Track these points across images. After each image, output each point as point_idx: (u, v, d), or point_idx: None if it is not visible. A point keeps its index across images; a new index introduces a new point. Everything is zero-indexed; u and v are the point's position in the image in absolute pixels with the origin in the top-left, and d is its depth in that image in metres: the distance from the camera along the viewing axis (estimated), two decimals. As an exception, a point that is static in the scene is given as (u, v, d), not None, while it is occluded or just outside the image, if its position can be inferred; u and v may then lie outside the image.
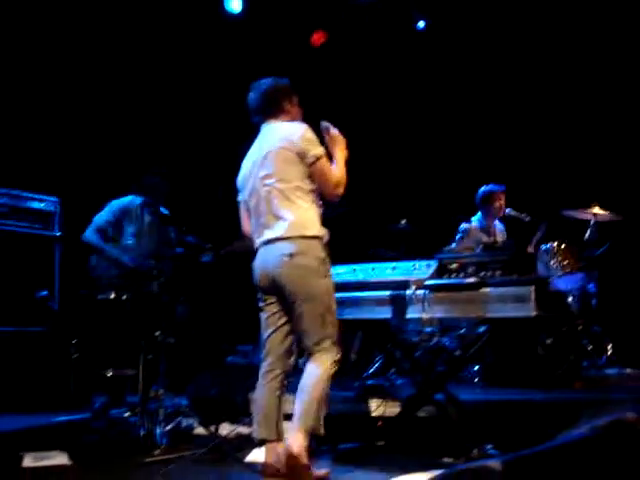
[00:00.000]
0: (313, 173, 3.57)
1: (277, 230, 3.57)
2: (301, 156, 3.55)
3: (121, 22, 6.91)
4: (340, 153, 3.67)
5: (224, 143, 6.72)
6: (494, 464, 1.84)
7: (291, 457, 3.35)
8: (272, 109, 3.75)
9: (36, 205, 6.38)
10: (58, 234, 6.38)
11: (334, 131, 3.73)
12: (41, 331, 5.90)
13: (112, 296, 4.88)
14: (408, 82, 7.75)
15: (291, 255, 3.50)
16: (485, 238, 6.06)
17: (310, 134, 3.61)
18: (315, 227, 3.58)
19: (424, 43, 7.70)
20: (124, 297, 4.86)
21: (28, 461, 3.91)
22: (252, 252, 3.74)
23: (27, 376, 5.59)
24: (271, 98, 3.75)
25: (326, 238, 3.61)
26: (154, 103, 7.23)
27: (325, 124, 3.74)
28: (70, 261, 6.21)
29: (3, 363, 5.47)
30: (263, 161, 3.65)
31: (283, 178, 3.58)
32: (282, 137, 3.63)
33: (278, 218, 3.57)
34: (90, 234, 5.29)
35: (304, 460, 3.36)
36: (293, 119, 3.74)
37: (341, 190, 3.60)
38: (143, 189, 5.14)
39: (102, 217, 5.33)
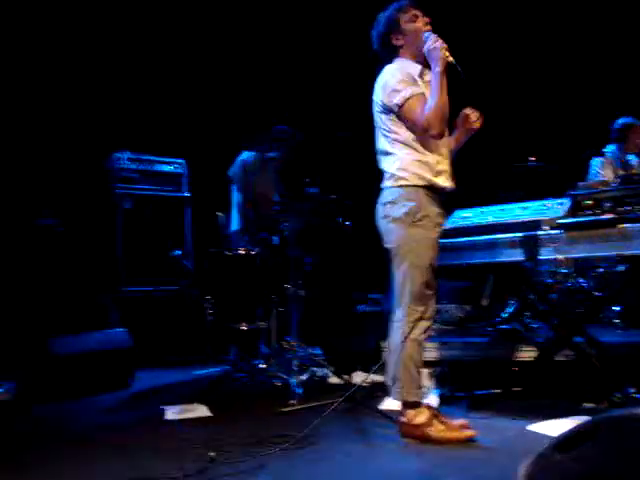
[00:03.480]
0: (402, 119, 3.41)
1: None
2: (387, 109, 3.42)
3: None
4: (435, 79, 3.32)
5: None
6: (641, 411, 1.71)
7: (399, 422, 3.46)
8: (383, 54, 3.58)
9: (165, 168, 6.61)
10: (187, 195, 6.58)
11: (430, 42, 3.36)
12: (177, 289, 6.15)
13: (242, 251, 4.98)
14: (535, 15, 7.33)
15: (384, 204, 3.45)
16: (621, 171, 5.73)
17: (391, 80, 3.40)
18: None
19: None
20: (253, 252, 4.94)
21: (170, 414, 4.08)
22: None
23: (165, 333, 5.85)
24: (380, 46, 3.57)
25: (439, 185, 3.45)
26: (272, 61, 7.26)
27: (427, 35, 3.41)
28: (199, 220, 6.39)
29: (142, 322, 5.74)
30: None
31: (382, 128, 3.49)
32: (375, 91, 3.51)
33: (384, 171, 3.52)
34: (236, 169, 5.45)
35: (411, 423, 3.39)
36: (409, 47, 3.50)
37: (434, 131, 3.32)
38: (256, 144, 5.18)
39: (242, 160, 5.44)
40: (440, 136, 3.42)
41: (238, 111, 6.30)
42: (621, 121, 5.90)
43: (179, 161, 6.67)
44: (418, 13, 3.52)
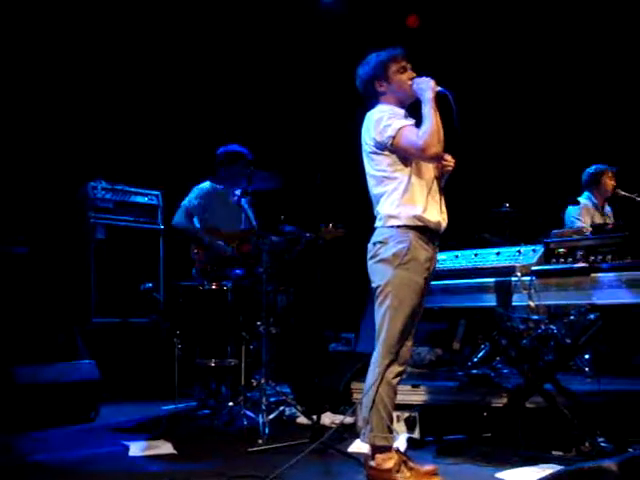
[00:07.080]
0: (398, 151, 3.40)
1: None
2: (380, 146, 3.42)
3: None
4: (426, 107, 3.37)
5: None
6: (609, 464, 1.70)
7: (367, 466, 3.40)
8: (367, 97, 3.60)
9: (140, 199, 6.56)
10: (161, 227, 6.54)
11: (419, 79, 3.47)
12: (146, 322, 6.07)
13: (214, 286, 4.93)
14: (516, 62, 7.45)
15: (374, 244, 3.43)
16: (598, 218, 5.81)
17: (381, 117, 3.41)
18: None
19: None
20: (225, 288, 4.90)
21: (135, 450, 3.99)
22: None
23: (133, 366, 5.75)
24: (363, 87, 3.60)
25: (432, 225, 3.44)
26: (247, 92, 7.30)
27: (415, 79, 3.51)
28: (173, 253, 6.34)
29: (110, 354, 5.64)
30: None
31: (373, 169, 3.49)
32: (365, 133, 3.52)
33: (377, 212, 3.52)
34: (180, 219, 5.37)
35: (379, 468, 3.34)
36: (391, 95, 3.53)
37: (431, 151, 3.30)
38: (223, 176, 5.16)
39: (190, 202, 5.39)
40: (438, 158, 3.42)
41: (215, 145, 6.30)
42: (594, 167, 6.01)
43: (154, 193, 6.65)
44: (408, 66, 3.57)
